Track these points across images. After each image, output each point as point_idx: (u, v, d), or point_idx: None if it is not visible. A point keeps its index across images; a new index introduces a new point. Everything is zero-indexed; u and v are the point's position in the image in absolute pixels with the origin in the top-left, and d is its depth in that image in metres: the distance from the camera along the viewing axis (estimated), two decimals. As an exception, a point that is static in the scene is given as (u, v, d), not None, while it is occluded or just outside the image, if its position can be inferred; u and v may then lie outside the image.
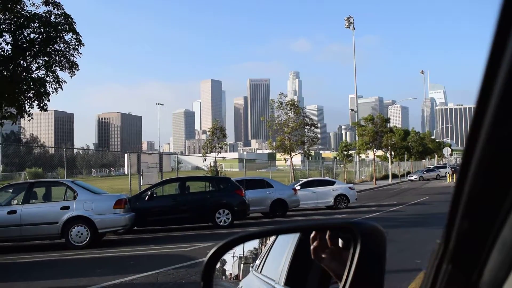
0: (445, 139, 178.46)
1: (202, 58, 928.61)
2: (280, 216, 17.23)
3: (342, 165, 47.96)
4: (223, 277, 2.33)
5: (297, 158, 36.78)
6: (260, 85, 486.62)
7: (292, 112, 32.41)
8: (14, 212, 10.75)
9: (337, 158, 48.47)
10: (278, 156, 39.50)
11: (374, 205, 21.19)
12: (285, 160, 34.07)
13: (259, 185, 18.13)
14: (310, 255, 1.69)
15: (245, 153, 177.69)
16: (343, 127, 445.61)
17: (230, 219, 14.04)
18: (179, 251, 9.79)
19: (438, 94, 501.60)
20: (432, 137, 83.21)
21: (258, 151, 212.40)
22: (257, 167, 63.44)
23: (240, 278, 2.66)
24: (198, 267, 7.72)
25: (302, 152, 33.85)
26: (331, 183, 21.40)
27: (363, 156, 49.02)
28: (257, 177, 20.90)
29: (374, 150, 46.70)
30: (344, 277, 1.01)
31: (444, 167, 55.42)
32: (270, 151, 44.03)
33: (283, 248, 2.02)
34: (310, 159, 38.46)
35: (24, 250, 10.89)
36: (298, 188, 19.69)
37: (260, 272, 2.25)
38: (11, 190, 11.76)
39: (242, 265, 2.73)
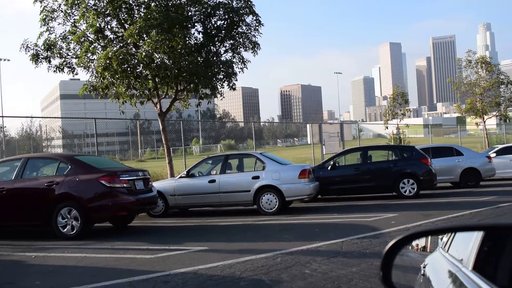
0: None
1: (380, 22, 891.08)
2: (473, 186, 15.87)
3: (550, 127, 41.55)
4: (410, 248, 2.33)
5: (491, 122, 33.14)
6: (444, 43, 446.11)
7: (484, 70, 29.02)
8: (213, 181, 12.14)
9: (543, 119, 42.02)
10: (468, 120, 36.11)
11: None
12: (477, 124, 30.96)
13: (446, 153, 16.92)
14: (502, 241, 1.60)
15: (430, 118, 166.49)
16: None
17: (415, 189, 13.50)
18: (362, 220, 9.86)
19: None
20: None
21: (445, 115, 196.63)
22: (444, 133, 59.16)
23: (428, 250, 2.61)
24: (382, 238, 7.71)
25: (497, 114, 30.32)
26: (535, 149, 18.78)
27: None
28: (444, 144, 19.53)
29: None
30: None
31: None
32: (459, 115, 40.53)
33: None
34: (507, 121, 34.18)
35: (223, 215, 12.28)
36: (493, 155, 17.79)
37: (447, 250, 2.19)
38: (210, 162, 13.28)
39: (430, 237, 2.67)
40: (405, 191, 13.55)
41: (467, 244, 1.85)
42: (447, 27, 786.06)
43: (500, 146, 20.03)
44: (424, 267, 2.29)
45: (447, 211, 10.50)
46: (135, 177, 9.81)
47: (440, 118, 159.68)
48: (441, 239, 2.45)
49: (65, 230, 9.07)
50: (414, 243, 2.42)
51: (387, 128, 27.36)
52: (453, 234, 2.19)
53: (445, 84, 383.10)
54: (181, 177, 12.75)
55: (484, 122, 29.95)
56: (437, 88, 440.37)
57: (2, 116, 25.80)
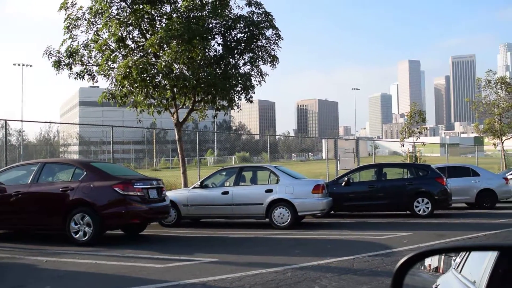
0: None
1: (399, 39, 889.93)
2: (488, 208, 15.62)
3: None
4: (422, 268, 2.30)
5: (509, 143, 32.65)
6: (464, 62, 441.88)
7: (503, 91, 28.75)
8: (227, 193, 12.11)
9: None
10: (486, 140, 35.72)
11: None
12: (495, 145, 30.56)
13: (463, 173, 16.71)
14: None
15: (447, 137, 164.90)
16: None
17: (429, 208, 13.32)
18: (374, 238, 9.75)
19: None
20: None
21: (462, 135, 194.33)
22: (461, 152, 58.40)
23: (440, 271, 2.58)
24: (394, 257, 7.60)
25: (515, 136, 29.92)
26: (555, 172, 18.44)
27: None
28: (461, 164, 19.30)
29: None
30: None
31: None
32: (477, 135, 40.05)
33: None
34: (526, 144, 33.66)
35: (234, 227, 12.24)
36: (510, 177, 17.53)
37: (460, 272, 2.16)
38: (224, 173, 13.29)
39: (443, 257, 2.63)
40: (419, 210, 13.39)
41: (480, 265, 1.83)
42: (467, 47, 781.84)
43: (518, 168, 19.70)
44: (436, 288, 2.25)
45: (461, 231, 10.33)
46: (149, 186, 9.87)
47: (457, 138, 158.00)
48: (454, 259, 2.41)
49: (77, 235, 9.13)
50: (426, 263, 2.40)
51: (403, 145, 27.13)
52: (466, 255, 2.16)
53: (463, 103, 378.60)
54: (194, 187, 12.77)
55: (502, 143, 29.57)
56: (455, 107, 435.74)
57: (22, 121, 26.26)
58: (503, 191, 16.17)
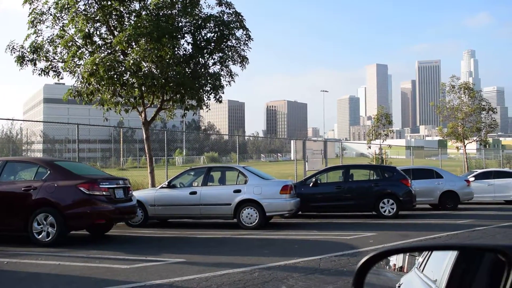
0: None
1: (367, 44, 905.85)
2: (451, 209, 16.10)
3: (527, 155, 42.37)
4: (387, 267, 2.34)
5: (471, 146, 33.72)
6: (429, 67, 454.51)
7: (466, 96, 29.64)
8: (195, 193, 12.04)
9: (521, 146, 42.89)
10: (449, 143, 36.71)
11: None
12: (458, 148, 31.46)
13: (427, 175, 17.18)
14: (476, 260, 1.63)
15: (412, 140, 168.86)
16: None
17: (395, 209, 13.61)
18: (341, 238, 9.88)
19: None
20: None
21: (427, 138, 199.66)
22: (425, 155, 60.01)
23: (405, 270, 2.62)
24: (359, 256, 7.73)
25: (477, 139, 30.88)
26: (512, 175, 19.15)
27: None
28: (425, 166, 19.82)
29: None
30: None
31: None
32: (441, 138, 41.14)
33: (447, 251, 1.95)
34: (487, 147, 34.82)
35: (202, 227, 12.18)
36: (472, 179, 18.11)
37: (422, 271, 2.21)
38: (192, 173, 13.21)
39: (407, 257, 2.68)
40: (384, 211, 13.65)
41: (441, 265, 1.87)
42: (433, 52, 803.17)
43: (479, 171, 20.41)
44: (399, 287, 2.30)
45: (425, 232, 10.60)
46: (115, 186, 9.70)
47: (422, 141, 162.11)
48: (417, 259, 2.47)
49: (40, 236, 8.89)
50: (391, 263, 2.44)
51: (370, 147, 27.60)
52: (428, 254, 2.21)
53: (428, 107, 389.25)
54: (162, 187, 12.64)
55: (465, 146, 30.44)
56: (420, 111, 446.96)
57: (-17, 117, 25.29)
58: (465, 192, 16.69)
